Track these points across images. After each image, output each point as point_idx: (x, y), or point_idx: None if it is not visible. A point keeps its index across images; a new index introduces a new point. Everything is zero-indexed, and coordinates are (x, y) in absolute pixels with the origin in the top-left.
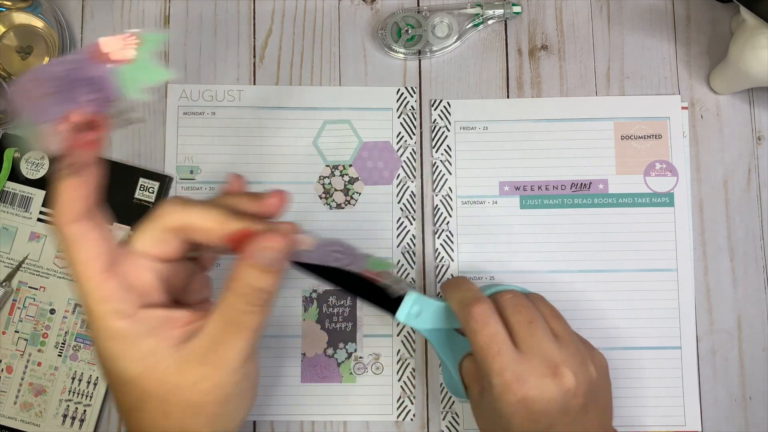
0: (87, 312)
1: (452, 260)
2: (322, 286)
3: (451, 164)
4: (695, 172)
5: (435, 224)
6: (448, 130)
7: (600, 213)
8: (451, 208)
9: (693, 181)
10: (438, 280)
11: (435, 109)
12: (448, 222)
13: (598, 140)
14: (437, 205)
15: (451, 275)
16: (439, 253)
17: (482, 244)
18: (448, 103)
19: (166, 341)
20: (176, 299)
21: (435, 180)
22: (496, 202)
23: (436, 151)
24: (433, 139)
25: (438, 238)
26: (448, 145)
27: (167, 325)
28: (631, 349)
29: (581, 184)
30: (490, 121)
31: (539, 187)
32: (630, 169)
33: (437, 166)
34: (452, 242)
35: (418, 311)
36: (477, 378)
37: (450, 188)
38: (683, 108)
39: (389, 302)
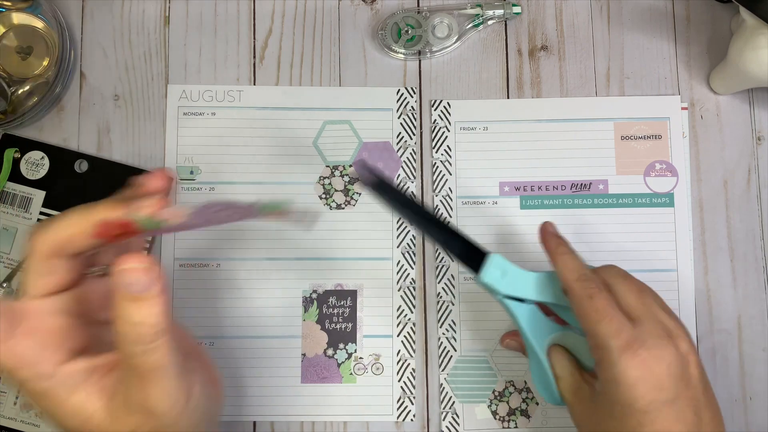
0: (12, 378)
1: (452, 261)
2: (322, 286)
3: (451, 164)
4: (695, 172)
5: None
6: (448, 131)
7: (600, 213)
8: (452, 209)
9: (693, 181)
10: (438, 280)
11: (435, 110)
12: (448, 222)
13: (598, 140)
14: (437, 206)
15: (552, 232)
16: (440, 253)
17: (482, 244)
18: (448, 103)
19: (94, 395)
20: (106, 318)
21: (435, 180)
22: (496, 203)
23: (436, 152)
24: (433, 140)
25: None
26: (448, 146)
27: (92, 377)
28: None
29: (581, 184)
30: (490, 122)
31: (539, 188)
32: (630, 170)
33: (437, 167)
34: None
35: (501, 275)
36: (576, 369)
37: (450, 189)
38: (683, 108)
39: (473, 260)
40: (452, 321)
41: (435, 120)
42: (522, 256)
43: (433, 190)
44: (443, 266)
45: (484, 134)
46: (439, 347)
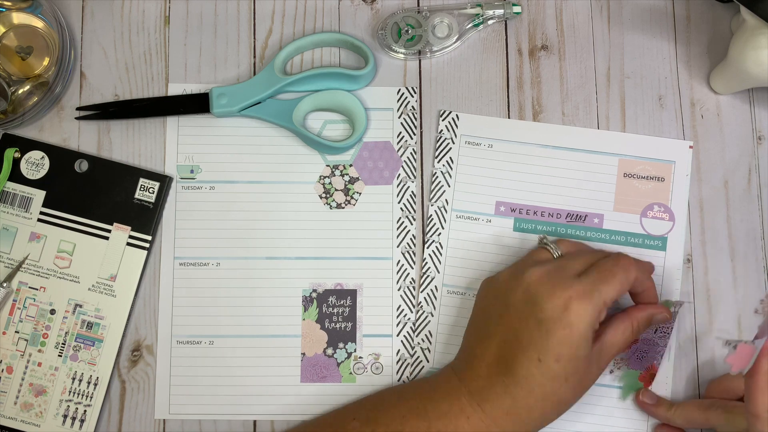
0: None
1: (438, 272)
2: (322, 286)
3: (451, 177)
4: (695, 172)
5: (426, 233)
6: (453, 143)
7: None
8: (445, 220)
9: (693, 181)
10: (422, 289)
11: (443, 120)
12: (440, 233)
13: (600, 174)
14: (431, 215)
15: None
16: (426, 263)
17: (470, 260)
18: (456, 115)
19: None
20: None
21: (432, 190)
22: (489, 221)
23: (438, 162)
24: (436, 149)
25: (428, 248)
26: (450, 158)
27: None
28: None
29: (577, 215)
30: (496, 140)
31: (535, 212)
32: (628, 208)
33: (437, 177)
34: (441, 254)
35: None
36: None
37: (446, 200)
38: (690, 147)
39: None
40: (429, 332)
41: (441, 130)
42: None
43: (430, 199)
44: (428, 277)
45: (488, 151)
46: (413, 356)
